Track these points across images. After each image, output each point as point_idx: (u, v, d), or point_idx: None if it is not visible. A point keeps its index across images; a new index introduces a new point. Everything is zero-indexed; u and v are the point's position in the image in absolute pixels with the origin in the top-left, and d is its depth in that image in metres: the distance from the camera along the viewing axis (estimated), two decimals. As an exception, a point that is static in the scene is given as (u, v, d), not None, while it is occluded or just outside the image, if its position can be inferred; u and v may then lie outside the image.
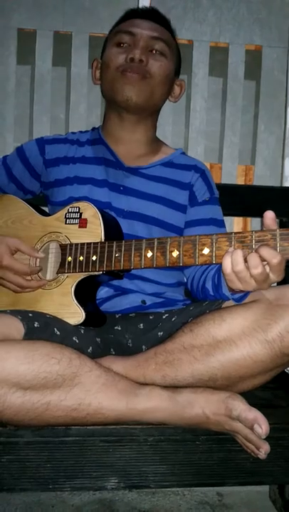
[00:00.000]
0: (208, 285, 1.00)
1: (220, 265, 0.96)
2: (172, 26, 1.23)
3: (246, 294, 0.93)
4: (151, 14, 1.21)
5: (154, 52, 1.16)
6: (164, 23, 1.21)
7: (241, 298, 0.93)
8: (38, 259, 1.06)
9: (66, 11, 1.59)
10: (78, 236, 1.03)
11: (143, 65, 1.13)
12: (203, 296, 1.05)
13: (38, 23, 1.58)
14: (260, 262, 0.81)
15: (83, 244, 1.00)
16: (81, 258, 1.00)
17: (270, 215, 0.83)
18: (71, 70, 1.60)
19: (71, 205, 1.06)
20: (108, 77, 1.16)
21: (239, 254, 0.82)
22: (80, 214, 1.04)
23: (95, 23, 1.60)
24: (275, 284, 1.20)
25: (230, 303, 0.95)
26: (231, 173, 1.66)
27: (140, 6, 1.58)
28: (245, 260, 0.82)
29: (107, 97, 1.20)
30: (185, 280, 1.21)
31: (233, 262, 0.83)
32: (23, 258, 1.05)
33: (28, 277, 1.05)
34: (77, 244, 1.01)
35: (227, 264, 0.83)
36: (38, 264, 1.06)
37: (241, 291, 0.91)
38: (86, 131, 1.28)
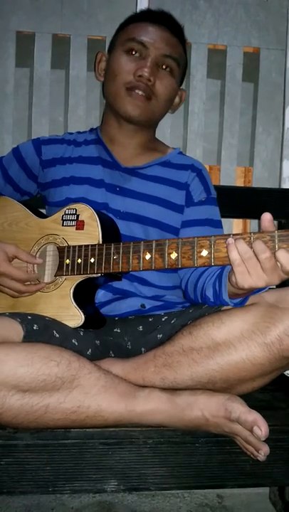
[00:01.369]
0: (209, 293, 0.99)
1: (220, 272, 0.96)
2: (184, 33, 1.21)
3: (246, 298, 0.92)
4: (166, 21, 1.17)
5: (163, 67, 1.15)
6: (178, 32, 1.18)
7: (241, 302, 0.93)
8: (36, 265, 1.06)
9: (64, 13, 1.59)
10: (76, 238, 1.03)
11: (150, 85, 1.13)
12: (203, 302, 1.04)
13: (36, 26, 1.58)
14: (265, 246, 0.79)
15: (81, 246, 1.00)
16: (79, 260, 1.00)
17: (267, 217, 0.82)
18: (69, 72, 1.60)
19: (68, 207, 1.06)
20: (114, 89, 1.15)
21: (243, 243, 0.81)
22: (77, 216, 1.04)
23: (94, 26, 1.60)
24: (274, 287, 1.21)
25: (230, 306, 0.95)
26: (230, 175, 1.66)
27: (138, 8, 1.58)
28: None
29: (109, 103, 1.20)
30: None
31: (241, 253, 0.81)
32: (20, 262, 1.05)
33: (26, 282, 1.04)
34: (74, 247, 1.01)
35: (235, 256, 0.81)
36: (35, 269, 1.06)
37: (245, 294, 0.90)
38: (84, 132, 1.28)
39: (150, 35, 1.13)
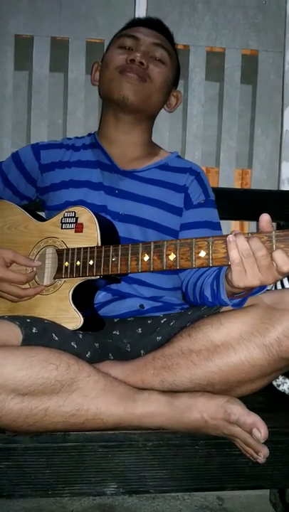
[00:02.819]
0: (207, 293, 1.00)
1: (218, 272, 0.96)
2: (174, 40, 1.26)
3: (244, 299, 0.93)
4: (155, 24, 1.23)
5: (155, 58, 1.18)
6: (167, 34, 1.24)
7: (240, 303, 0.93)
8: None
9: (63, 16, 1.60)
10: (75, 241, 1.03)
11: (143, 68, 1.14)
12: (201, 303, 1.05)
13: (35, 29, 1.59)
14: (262, 244, 0.80)
15: (80, 248, 1.00)
16: (78, 263, 1.00)
17: (265, 218, 0.82)
18: (68, 75, 1.61)
19: (67, 210, 1.06)
20: (107, 76, 1.17)
21: (243, 239, 0.81)
22: (76, 219, 1.04)
23: (92, 29, 1.61)
24: (273, 288, 1.21)
25: (229, 307, 0.95)
26: (229, 177, 1.67)
27: (137, 10, 1.59)
28: None
29: (104, 96, 1.21)
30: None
31: (241, 250, 0.81)
32: (19, 267, 1.05)
33: (25, 285, 1.04)
34: (73, 249, 1.01)
35: (235, 255, 0.81)
36: (34, 269, 1.06)
37: (242, 293, 0.90)
38: (82, 137, 1.30)
39: (141, 31, 1.20)
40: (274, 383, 1.06)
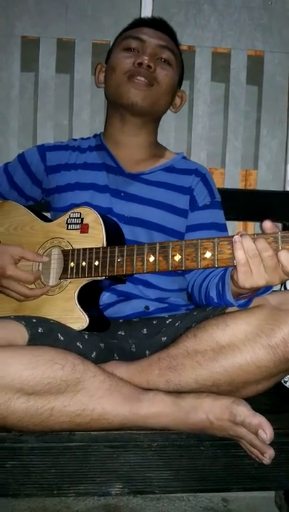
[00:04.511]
0: (213, 293, 1.00)
1: (223, 273, 0.96)
2: (178, 39, 1.26)
3: (250, 300, 0.92)
4: (159, 24, 1.23)
5: (161, 60, 1.18)
6: (171, 34, 1.24)
7: (246, 304, 0.93)
8: (40, 264, 1.06)
9: (69, 18, 1.60)
10: (80, 241, 1.03)
11: (151, 71, 1.15)
12: (207, 303, 1.05)
13: (41, 31, 1.59)
14: (268, 245, 0.80)
15: (85, 249, 1.01)
16: (83, 263, 1.00)
17: (267, 226, 0.82)
18: (74, 76, 1.61)
19: (72, 211, 1.06)
20: (114, 81, 1.17)
21: (249, 240, 0.81)
22: (82, 219, 1.04)
23: (98, 30, 1.61)
24: (279, 289, 1.20)
25: (235, 308, 0.95)
26: (234, 178, 1.66)
27: (143, 12, 1.59)
28: None
29: (111, 100, 1.21)
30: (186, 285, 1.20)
31: (247, 250, 0.81)
32: (25, 265, 1.06)
33: (32, 285, 1.05)
34: (79, 250, 1.02)
35: (241, 256, 0.81)
36: (40, 269, 1.06)
37: (248, 294, 0.90)
38: (88, 138, 1.30)
39: (146, 32, 1.19)
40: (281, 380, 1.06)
